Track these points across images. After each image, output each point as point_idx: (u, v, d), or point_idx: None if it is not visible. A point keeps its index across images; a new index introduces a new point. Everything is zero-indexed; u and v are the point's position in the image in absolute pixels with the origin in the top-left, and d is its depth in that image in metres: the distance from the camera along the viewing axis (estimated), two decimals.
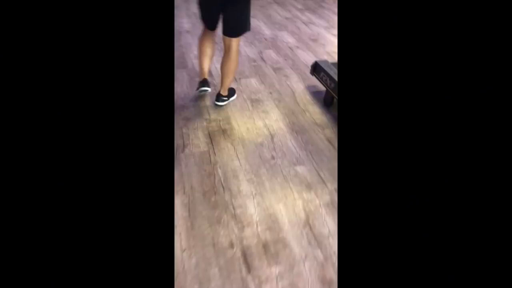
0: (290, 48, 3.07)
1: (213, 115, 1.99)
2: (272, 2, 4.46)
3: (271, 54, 2.90)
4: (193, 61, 2.62)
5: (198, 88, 2.03)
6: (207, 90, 2.04)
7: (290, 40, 3.27)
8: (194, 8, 3.93)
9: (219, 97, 2.02)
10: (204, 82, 2.02)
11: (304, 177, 1.56)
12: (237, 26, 1.82)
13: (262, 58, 2.80)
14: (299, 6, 4.47)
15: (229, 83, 2.03)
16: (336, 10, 4.18)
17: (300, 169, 1.60)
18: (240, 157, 1.65)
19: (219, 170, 1.55)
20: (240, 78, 2.41)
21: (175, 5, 4.04)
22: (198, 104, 2.08)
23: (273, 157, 1.67)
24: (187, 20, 3.58)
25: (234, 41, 1.86)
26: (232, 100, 2.15)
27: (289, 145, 1.78)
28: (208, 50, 2.01)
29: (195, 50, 2.83)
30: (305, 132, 1.89)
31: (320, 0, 4.70)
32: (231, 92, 2.15)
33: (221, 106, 2.05)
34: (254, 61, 2.73)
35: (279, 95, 2.25)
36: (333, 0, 4.67)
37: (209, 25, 1.91)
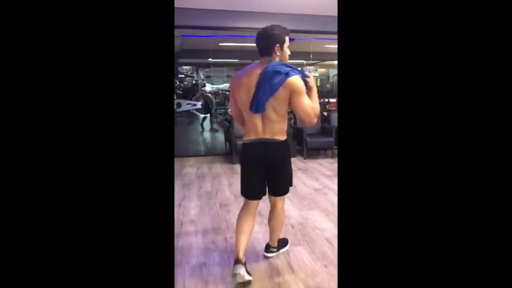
0: (327, 240, 2.19)
1: None
2: (296, 170, 3.97)
3: (302, 255, 2.01)
4: (186, 283, 1.77)
5: (232, 273, 1.67)
6: (243, 277, 1.64)
7: (325, 224, 2.45)
8: (208, 186, 3.44)
9: (268, 248, 2.00)
10: (238, 262, 1.67)
11: None
12: (281, 185, 1.83)
13: (289, 266, 1.90)
14: (328, 173, 3.91)
15: (278, 236, 1.99)
16: None
17: None
18: None
19: None
20: None
21: (188, 182, 3.63)
22: None
23: None
24: (196, 204, 2.96)
25: (279, 200, 1.86)
26: (283, 251, 2.04)
27: None
28: (247, 226, 1.78)
29: (196, 255, 2.01)
30: None
31: None
32: (283, 242, 2.08)
33: (270, 257, 1.98)
34: (278, 274, 1.82)
35: None
36: None
37: (254, 194, 1.80)
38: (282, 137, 1.73)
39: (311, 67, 11.49)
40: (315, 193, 3.16)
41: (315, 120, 1.66)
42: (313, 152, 4.92)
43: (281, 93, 1.59)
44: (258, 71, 1.61)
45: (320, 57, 9.18)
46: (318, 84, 12.53)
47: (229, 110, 1.82)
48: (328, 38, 5.07)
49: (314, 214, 2.67)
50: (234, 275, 1.62)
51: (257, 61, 1.68)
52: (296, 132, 5.00)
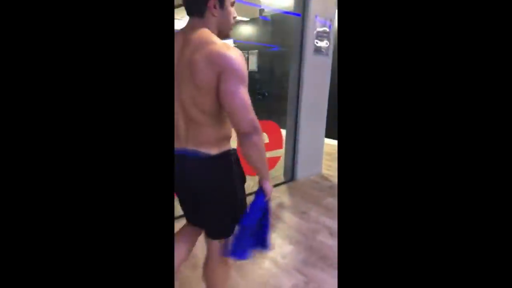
0: None
1: None
2: None
3: None
4: None
5: None
6: None
7: None
8: None
9: None
10: None
11: None
12: (213, 224, 1.14)
13: None
14: None
15: None
16: None
17: None
18: None
19: None
20: None
21: None
22: None
23: None
24: None
25: (214, 245, 1.14)
26: None
27: None
28: (180, 249, 1.22)
29: None
30: None
31: None
32: None
33: None
34: None
35: None
36: None
37: (186, 216, 1.27)
38: (213, 150, 1.01)
39: None
40: None
41: (255, 128, 0.91)
42: None
43: (204, 73, 0.87)
44: (180, 41, 0.94)
45: None
46: None
47: None
48: None
49: None
50: None
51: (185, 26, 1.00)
52: None
